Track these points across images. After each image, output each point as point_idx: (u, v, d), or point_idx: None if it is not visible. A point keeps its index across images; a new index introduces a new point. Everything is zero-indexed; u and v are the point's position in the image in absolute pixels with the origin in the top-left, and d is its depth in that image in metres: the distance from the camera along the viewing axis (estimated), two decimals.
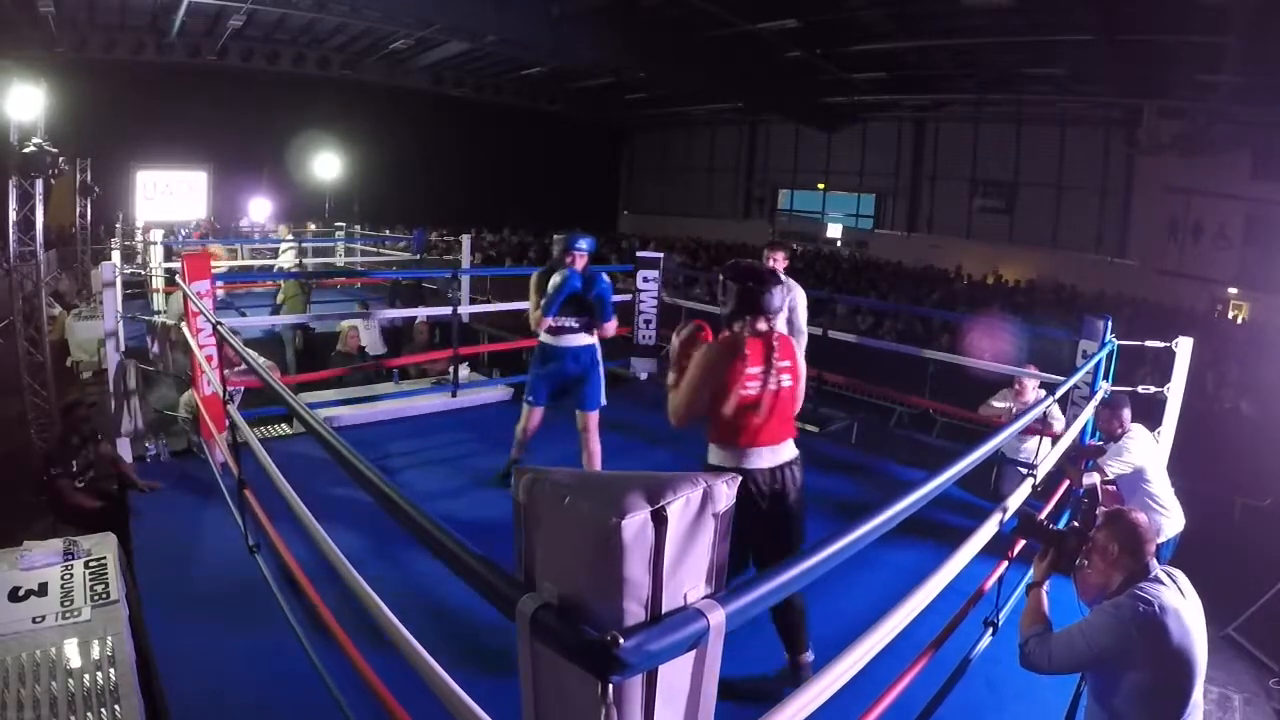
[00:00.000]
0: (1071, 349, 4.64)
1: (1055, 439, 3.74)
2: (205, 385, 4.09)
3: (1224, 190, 14.18)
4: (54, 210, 8.68)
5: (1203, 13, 9.76)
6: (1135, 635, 1.79)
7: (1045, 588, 2.11)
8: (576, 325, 3.97)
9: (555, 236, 4.07)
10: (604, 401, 4.09)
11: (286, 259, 10.58)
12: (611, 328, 4.04)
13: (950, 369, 5.78)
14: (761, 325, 2.40)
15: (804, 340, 4.59)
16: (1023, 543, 2.62)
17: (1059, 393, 2.80)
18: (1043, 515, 2.27)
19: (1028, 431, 4.40)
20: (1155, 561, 1.93)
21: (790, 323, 4.47)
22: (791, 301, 4.45)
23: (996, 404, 5.10)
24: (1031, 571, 2.18)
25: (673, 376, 2.48)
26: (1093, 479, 3.62)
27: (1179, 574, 1.94)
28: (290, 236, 11.22)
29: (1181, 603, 1.84)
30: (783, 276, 4.38)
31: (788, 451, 2.44)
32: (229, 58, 15.65)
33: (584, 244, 3.98)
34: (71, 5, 12.61)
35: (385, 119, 19.85)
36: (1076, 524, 2.36)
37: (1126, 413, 3.73)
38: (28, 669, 2.41)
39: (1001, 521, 2.07)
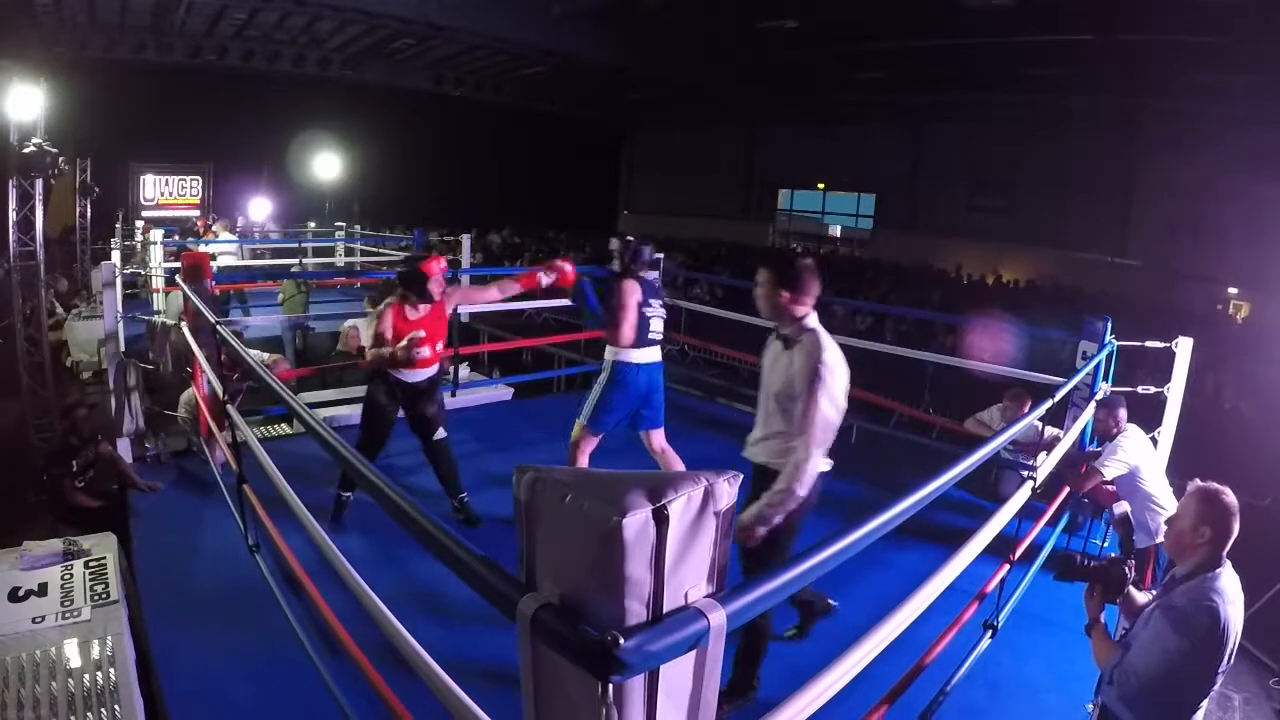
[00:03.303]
0: (1072, 350, 4.63)
1: (1053, 444, 3.72)
2: (205, 385, 4.09)
3: (1224, 190, 14.17)
4: (54, 210, 8.67)
5: (1203, 13, 9.76)
6: (1204, 632, 1.75)
7: (1103, 619, 2.08)
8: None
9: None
10: (592, 416, 3.63)
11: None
12: (613, 332, 3.65)
13: (951, 370, 5.77)
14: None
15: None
16: (1024, 546, 2.62)
17: (1047, 405, 2.76)
18: (1092, 559, 2.21)
19: (1026, 446, 4.39)
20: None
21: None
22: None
23: (984, 419, 5.09)
24: (1086, 612, 2.13)
25: None
26: (1123, 507, 3.57)
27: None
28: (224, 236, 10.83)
29: (1238, 596, 1.81)
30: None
31: None
32: (229, 58, 15.64)
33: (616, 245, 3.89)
34: (71, 5, 12.59)
35: (385, 119, 19.85)
36: (1115, 555, 2.32)
37: (1122, 413, 3.73)
38: (28, 669, 2.41)
39: (1003, 525, 2.06)
